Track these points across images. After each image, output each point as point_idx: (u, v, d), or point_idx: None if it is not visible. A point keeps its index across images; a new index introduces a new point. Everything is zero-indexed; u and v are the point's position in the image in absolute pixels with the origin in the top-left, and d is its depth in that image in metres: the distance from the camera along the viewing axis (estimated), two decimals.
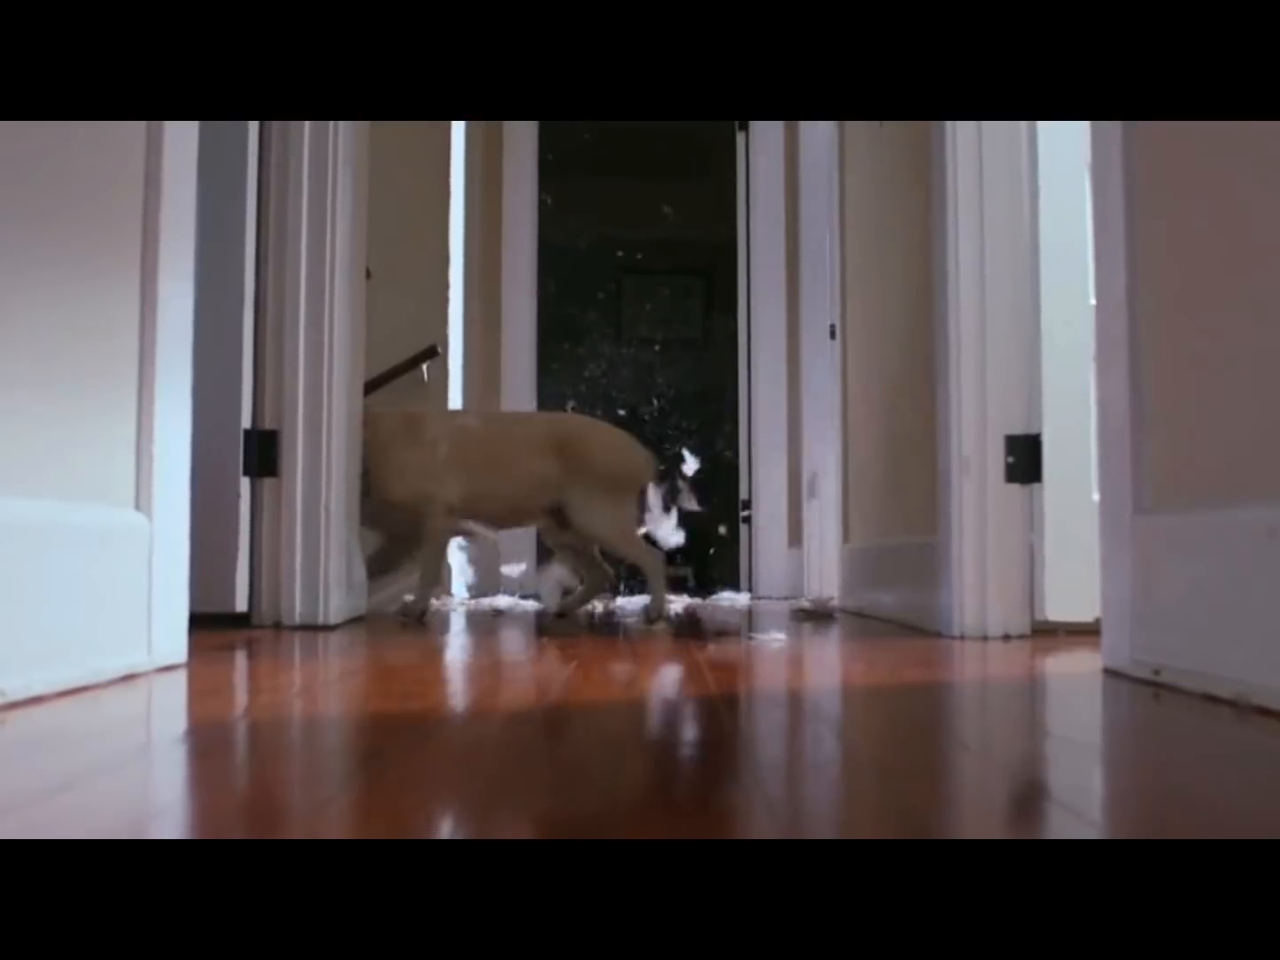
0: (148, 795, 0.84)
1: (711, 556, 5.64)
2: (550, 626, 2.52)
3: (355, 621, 2.63)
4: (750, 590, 4.43)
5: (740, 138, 4.70)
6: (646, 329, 7.56)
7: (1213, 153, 1.38)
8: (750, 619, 2.92)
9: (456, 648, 2.09)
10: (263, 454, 2.51)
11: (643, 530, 2.71)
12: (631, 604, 3.26)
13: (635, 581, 3.50)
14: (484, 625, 2.61)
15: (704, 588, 4.21)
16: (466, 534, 2.95)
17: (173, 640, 1.62)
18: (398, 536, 2.84)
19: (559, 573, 2.87)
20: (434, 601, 3.20)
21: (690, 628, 2.48)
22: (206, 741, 1.06)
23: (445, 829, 0.73)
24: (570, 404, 6.07)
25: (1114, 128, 1.59)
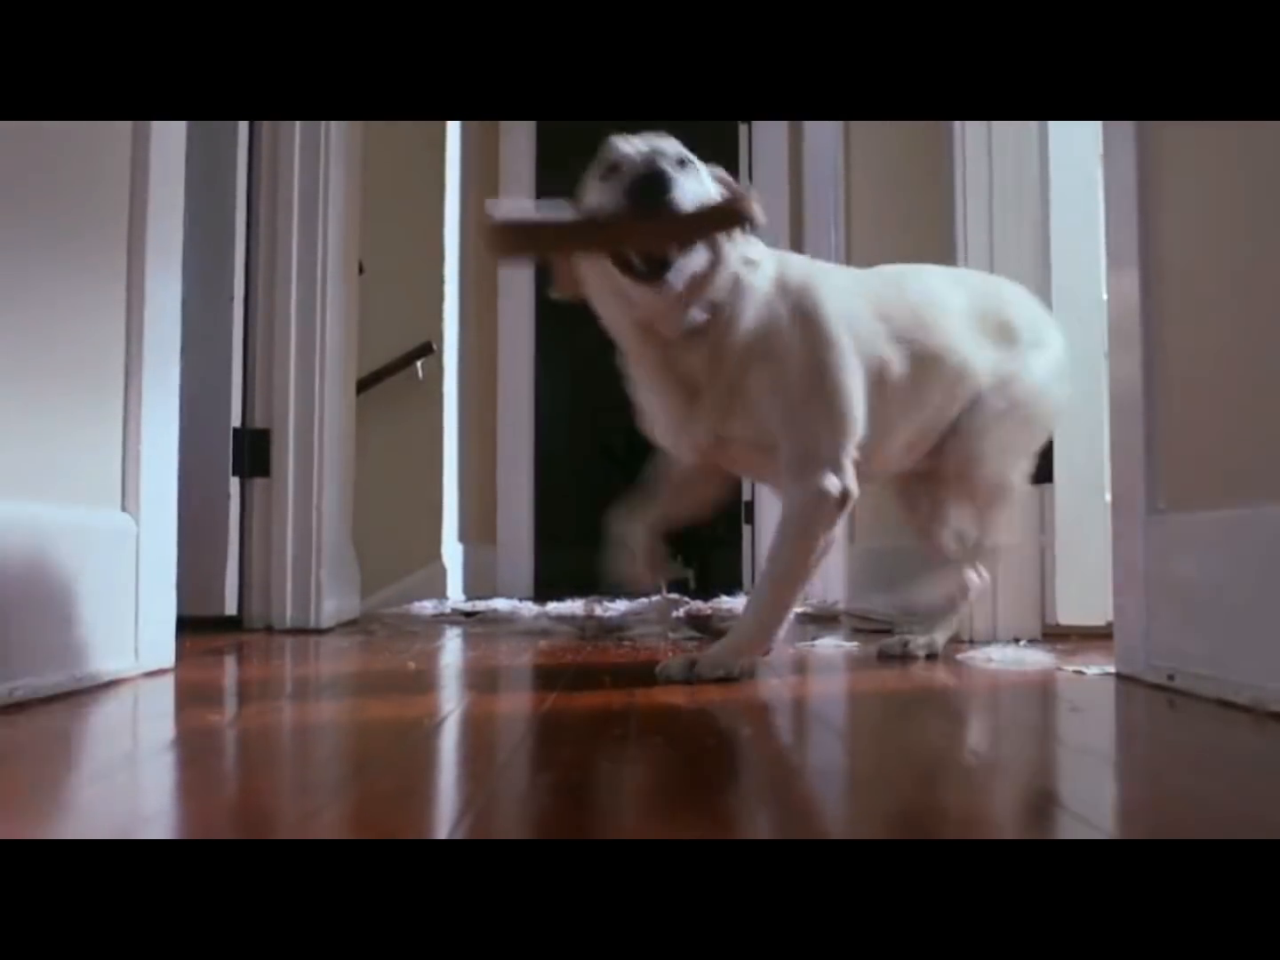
0: (135, 804, 0.83)
1: (713, 559, 5.61)
2: (546, 630, 2.48)
3: (348, 625, 2.60)
4: None
5: (743, 130, 4.68)
6: None
7: (1229, 143, 1.35)
8: None
9: (451, 652, 2.06)
10: (253, 453, 2.48)
11: None
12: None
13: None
14: (481, 629, 2.58)
15: (705, 590, 4.18)
16: None
17: (160, 644, 1.59)
18: None
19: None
20: (431, 605, 3.16)
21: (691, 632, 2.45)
22: (194, 749, 1.05)
23: (441, 834, 0.71)
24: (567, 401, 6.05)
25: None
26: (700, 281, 1.46)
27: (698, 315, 1.48)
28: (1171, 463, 1.48)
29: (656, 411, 1.60)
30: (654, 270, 1.41)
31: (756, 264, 1.54)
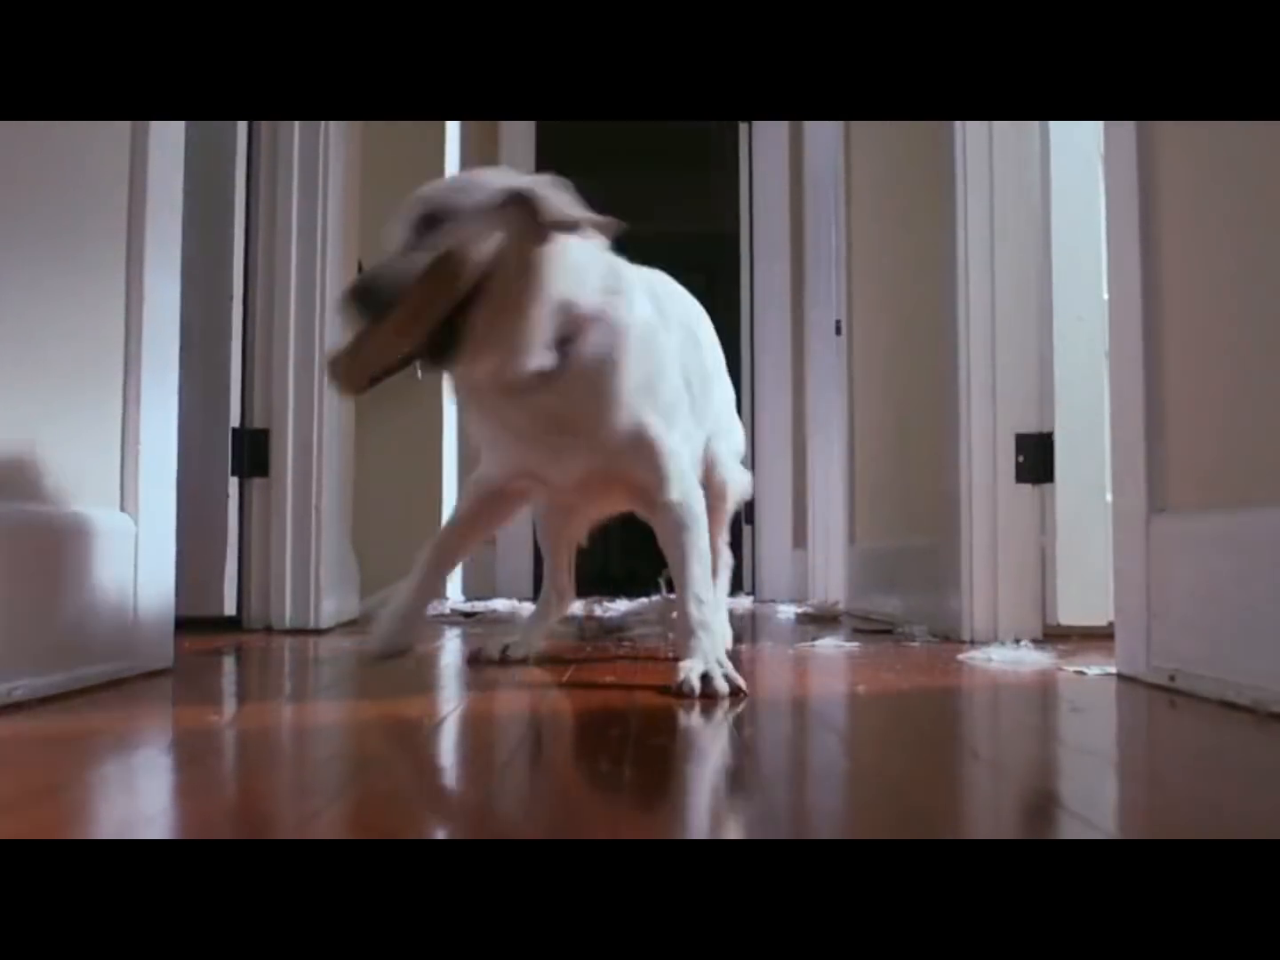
0: (135, 804, 0.83)
1: None
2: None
3: (348, 625, 2.59)
4: (754, 593, 4.38)
5: (744, 129, 4.67)
6: None
7: (1229, 143, 1.35)
8: (754, 624, 2.89)
9: (450, 653, 2.06)
10: (252, 453, 2.48)
11: None
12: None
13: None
14: (481, 629, 2.58)
15: None
16: None
17: (159, 645, 1.58)
18: None
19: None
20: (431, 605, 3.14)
21: None
22: (193, 749, 1.04)
23: (441, 834, 0.72)
24: None
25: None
26: (508, 332, 1.32)
27: (542, 359, 1.35)
28: (1172, 463, 1.48)
29: (513, 451, 1.49)
30: (435, 353, 1.30)
31: (621, 293, 1.44)
